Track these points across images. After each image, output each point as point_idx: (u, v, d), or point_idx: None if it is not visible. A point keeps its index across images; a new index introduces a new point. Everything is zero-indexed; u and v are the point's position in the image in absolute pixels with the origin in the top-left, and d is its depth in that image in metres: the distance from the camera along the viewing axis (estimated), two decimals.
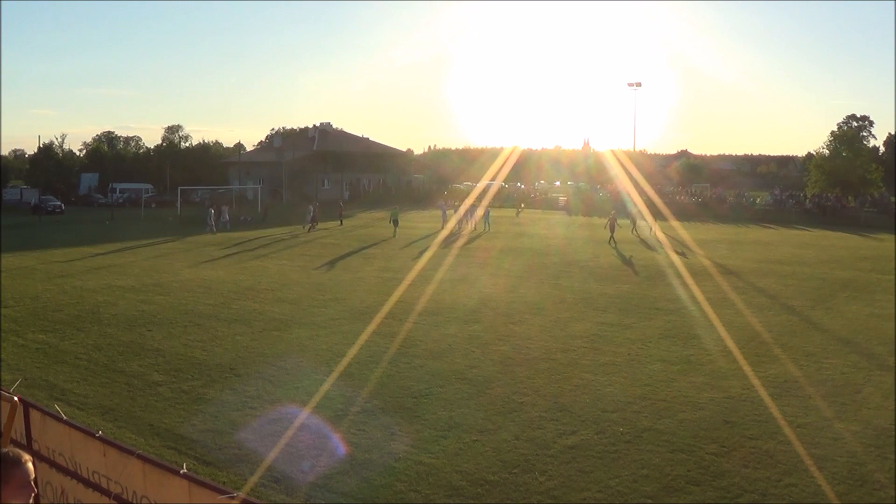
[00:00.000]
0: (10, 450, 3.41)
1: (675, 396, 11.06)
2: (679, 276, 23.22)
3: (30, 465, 3.31)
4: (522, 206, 62.68)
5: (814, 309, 18.23)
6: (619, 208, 43.26)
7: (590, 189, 67.95)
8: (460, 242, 32.57)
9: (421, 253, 29.22)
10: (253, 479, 8.09)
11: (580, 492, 7.90)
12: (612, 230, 35.01)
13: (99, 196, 68.68)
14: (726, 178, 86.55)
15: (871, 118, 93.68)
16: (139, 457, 4.51)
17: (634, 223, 39.46)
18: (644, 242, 34.75)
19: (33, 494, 3.33)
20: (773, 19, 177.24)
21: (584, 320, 16.57)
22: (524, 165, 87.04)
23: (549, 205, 64.06)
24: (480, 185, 60.56)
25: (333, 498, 7.75)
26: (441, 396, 11.04)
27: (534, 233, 40.04)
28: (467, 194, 61.78)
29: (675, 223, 40.82)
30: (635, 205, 43.41)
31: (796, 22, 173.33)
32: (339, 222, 44.44)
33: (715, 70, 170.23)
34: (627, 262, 27.43)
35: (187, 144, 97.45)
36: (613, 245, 32.93)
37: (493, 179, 61.55)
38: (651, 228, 38.34)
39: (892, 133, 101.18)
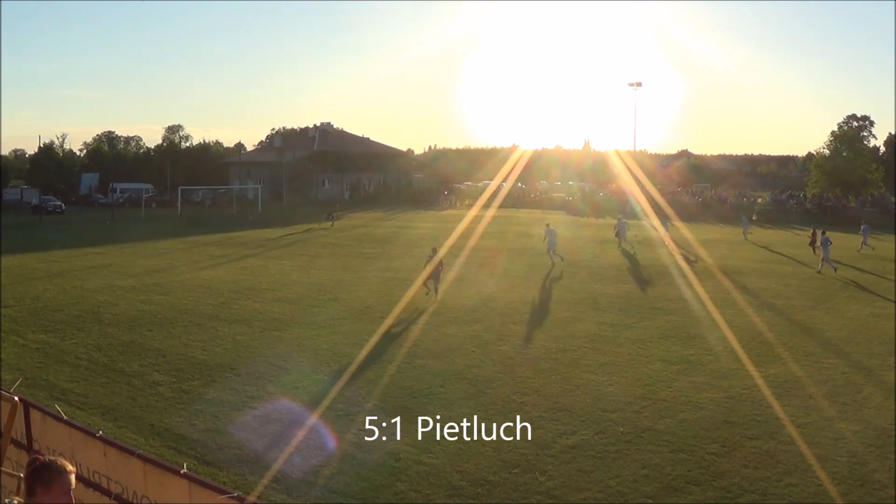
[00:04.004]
0: (57, 459, 3.61)
1: (676, 396, 11.06)
2: (679, 275, 23.22)
3: (72, 476, 3.51)
4: (750, 225, 40.04)
5: (814, 309, 18.23)
6: (626, 211, 43.10)
7: (593, 190, 67.86)
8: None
9: (421, 253, 29.20)
10: (253, 479, 8.10)
11: (580, 492, 7.90)
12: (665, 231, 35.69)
13: (99, 196, 68.63)
14: (727, 178, 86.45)
15: (872, 118, 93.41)
16: (139, 457, 4.51)
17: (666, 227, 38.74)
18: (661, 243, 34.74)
19: None
20: (773, 19, 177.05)
21: (584, 320, 16.57)
22: (525, 165, 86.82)
23: (552, 205, 63.99)
24: (493, 185, 60.35)
25: (333, 498, 7.75)
26: (441, 396, 11.04)
27: (534, 233, 39.99)
28: (473, 194, 61.60)
29: (677, 223, 40.79)
30: (638, 204, 43.36)
31: (796, 22, 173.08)
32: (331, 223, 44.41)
33: (715, 70, 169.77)
34: (691, 260, 27.54)
35: (187, 144, 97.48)
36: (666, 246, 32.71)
37: (504, 181, 61.27)
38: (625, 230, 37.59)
39: (893, 133, 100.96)
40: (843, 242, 32.06)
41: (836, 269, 24.16)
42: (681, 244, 32.30)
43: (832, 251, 24.89)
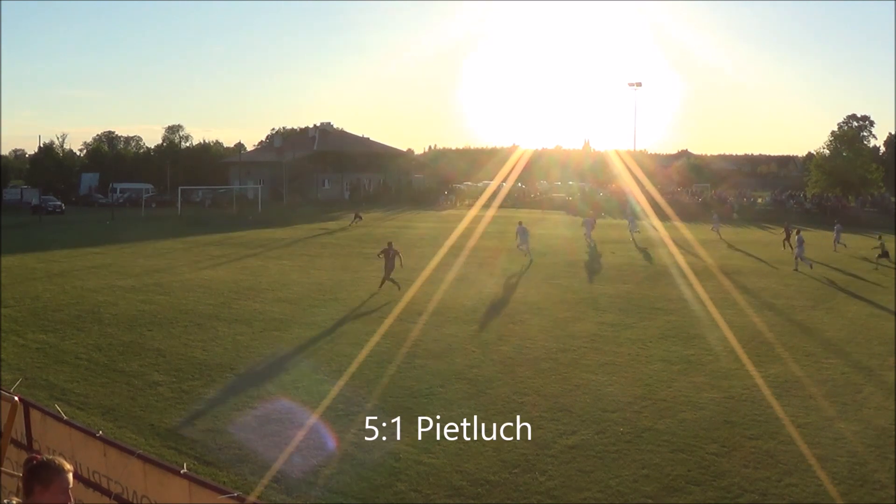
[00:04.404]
0: (55, 458, 3.61)
1: (676, 396, 11.06)
2: (679, 275, 23.22)
3: (70, 475, 3.51)
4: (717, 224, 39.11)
5: (814, 309, 18.23)
6: (629, 212, 43.33)
7: (593, 190, 67.81)
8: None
9: (422, 253, 29.21)
10: (253, 479, 8.10)
11: (580, 492, 7.90)
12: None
13: (99, 196, 68.60)
14: (727, 178, 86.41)
15: (872, 118, 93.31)
16: (139, 457, 4.51)
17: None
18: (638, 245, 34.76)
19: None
20: (773, 19, 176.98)
21: (584, 320, 16.57)
22: (525, 165, 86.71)
23: (552, 205, 63.99)
24: (493, 185, 60.49)
25: (333, 498, 7.75)
26: (441, 396, 11.04)
27: (534, 233, 40.00)
28: (473, 194, 61.61)
29: (678, 223, 40.85)
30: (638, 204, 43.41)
31: (796, 22, 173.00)
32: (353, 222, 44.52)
33: (715, 70, 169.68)
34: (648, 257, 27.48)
35: (187, 144, 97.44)
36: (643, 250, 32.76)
37: (504, 181, 61.42)
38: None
39: (893, 133, 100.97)
40: (844, 242, 32.03)
41: (811, 266, 25.02)
42: (648, 243, 32.28)
43: (805, 249, 25.70)
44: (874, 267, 25.72)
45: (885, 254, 26.30)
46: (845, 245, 31.17)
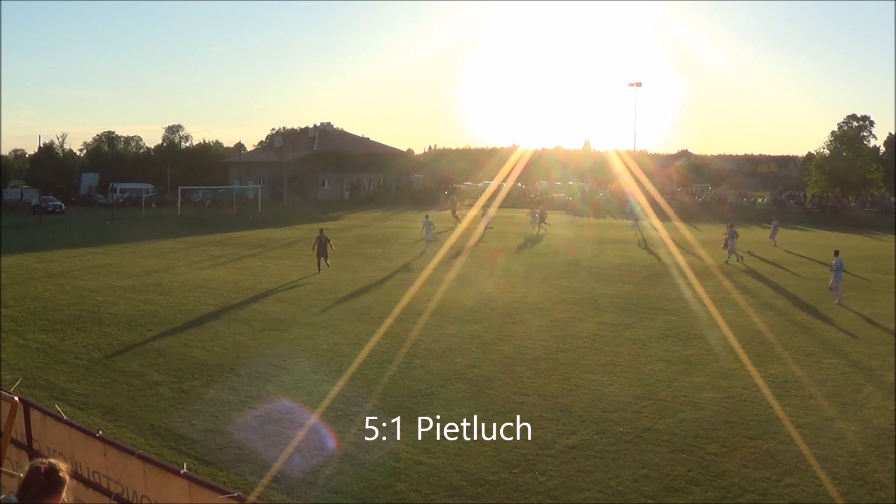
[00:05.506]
0: (61, 463, 3.56)
1: (676, 396, 11.06)
2: (679, 275, 23.23)
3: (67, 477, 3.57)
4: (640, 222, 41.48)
5: (814, 309, 18.23)
6: (628, 211, 43.73)
7: (593, 190, 67.74)
8: (469, 244, 32.37)
9: (421, 253, 29.21)
10: (253, 479, 8.10)
11: (580, 492, 7.90)
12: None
13: (99, 196, 68.44)
14: (727, 178, 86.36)
15: (872, 118, 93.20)
16: (139, 457, 4.51)
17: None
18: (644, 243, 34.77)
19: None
20: (773, 19, 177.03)
21: (584, 320, 16.57)
22: (525, 165, 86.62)
23: (552, 205, 63.95)
24: (493, 185, 60.64)
25: (333, 498, 7.75)
26: (441, 396, 11.04)
27: (532, 233, 40.00)
28: (473, 194, 61.71)
29: (678, 223, 40.85)
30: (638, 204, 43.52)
31: (796, 22, 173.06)
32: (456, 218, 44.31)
33: (715, 70, 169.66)
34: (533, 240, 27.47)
35: (187, 144, 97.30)
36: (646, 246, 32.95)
37: (504, 181, 61.54)
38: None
39: (893, 133, 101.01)
40: (844, 242, 32.05)
41: (741, 259, 26.78)
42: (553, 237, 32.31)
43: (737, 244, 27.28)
44: (725, 260, 26.62)
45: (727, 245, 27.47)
46: (775, 243, 32.52)
